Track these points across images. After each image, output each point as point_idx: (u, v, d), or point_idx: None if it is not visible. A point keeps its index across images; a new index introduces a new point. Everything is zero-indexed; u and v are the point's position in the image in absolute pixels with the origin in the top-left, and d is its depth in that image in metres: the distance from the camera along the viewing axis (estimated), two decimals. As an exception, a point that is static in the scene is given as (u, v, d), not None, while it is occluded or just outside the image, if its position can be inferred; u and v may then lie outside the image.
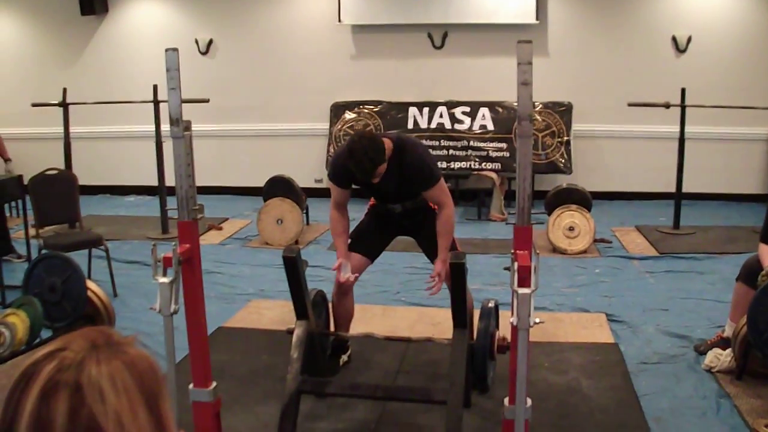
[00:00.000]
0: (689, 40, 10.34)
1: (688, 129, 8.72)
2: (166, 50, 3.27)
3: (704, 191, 10.35)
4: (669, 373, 4.88)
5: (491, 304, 4.62)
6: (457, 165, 10.55)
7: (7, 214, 8.28)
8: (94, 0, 11.20)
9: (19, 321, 4.51)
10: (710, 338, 5.22)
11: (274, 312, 6.17)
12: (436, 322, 5.76)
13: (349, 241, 4.72)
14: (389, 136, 4.41)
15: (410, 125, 10.79)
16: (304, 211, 9.01)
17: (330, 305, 4.87)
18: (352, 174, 4.33)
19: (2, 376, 4.59)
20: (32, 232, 6.81)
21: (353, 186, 4.55)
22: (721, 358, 4.84)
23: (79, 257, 5.76)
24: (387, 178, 4.35)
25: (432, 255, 4.61)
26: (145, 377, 1.06)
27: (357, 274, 4.64)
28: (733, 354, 4.74)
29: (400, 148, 4.36)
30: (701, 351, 5.13)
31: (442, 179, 4.52)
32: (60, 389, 0.99)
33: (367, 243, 4.75)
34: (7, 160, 8.21)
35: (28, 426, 0.98)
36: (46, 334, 4.78)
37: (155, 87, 8.71)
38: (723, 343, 4.99)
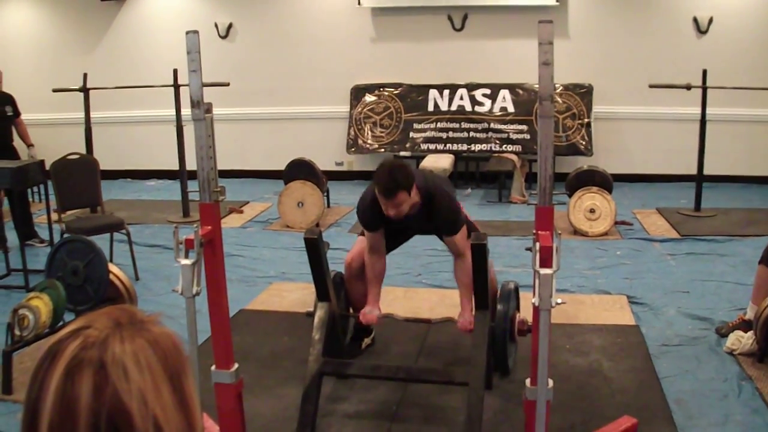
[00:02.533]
0: (710, 21, 10.25)
1: (710, 111, 8.64)
2: (187, 33, 3.27)
3: (726, 173, 10.28)
4: (690, 356, 4.87)
5: (511, 286, 4.61)
6: (477, 147, 10.53)
7: (30, 199, 8.33)
8: (113, -15, 11.24)
9: (42, 304, 4.53)
10: (732, 321, 5.21)
11: (296, 294, 6.19)
12: (457, 304, 5.67)
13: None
14: (417, 183, 4.24)
15: (431, 108, 10.77)
16: (325, 194, 9.02)
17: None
18: (378, 213, 4.28)
19: (27, 359, 4.64)
20: (54, 216, 6.84)
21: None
22: (742, 340, 4.82)
23: (101, 241, 5.81)
24: (412, 223, 4.39)
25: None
26: (169, 355, 1.06)
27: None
28: (754, 336, 4.72)
29: (428, 197, 4.31)
30: (723, 333, 5.11)
31: (465, 227, 4.48)
32: (84, 367, 0.99)
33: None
34: (29, 145, 8.23)
35: (53, 403, 0.99)
36: (69, 317, 4.81)
37: (175, 71, 8.75)
38: (745, 325, 4.97)
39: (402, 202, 4.13)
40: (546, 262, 3.00)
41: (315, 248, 4.09)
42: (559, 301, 3.01)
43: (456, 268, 4.51)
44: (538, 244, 3.03)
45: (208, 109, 3.34)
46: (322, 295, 4.24)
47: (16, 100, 8.08)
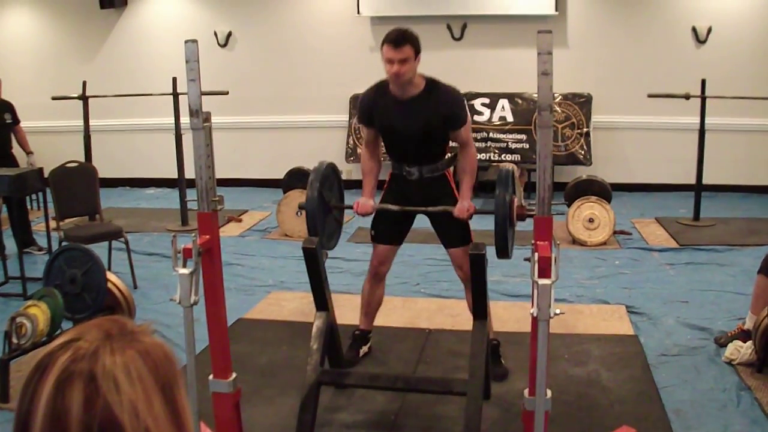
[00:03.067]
0: (709, 30, 10.25)
1: (709, 120, 8.64)
2: (186, 41, 3.27)
3: (725, 183, 10.27)
4: (689, 366, 4.85)
5: (509, 167, 4.51)
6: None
7: (29, 207, 8.32)
8: (113, -7, 11.26)
9: (40, 313, 4.52)
10: (731, 330, 5.20)
11: (294, 303, 6.18)
12: (455, 314, 5.74)
13: (372, 232, 4.71)
14: (421, 74, 4.47)
15: (429, 117, 10.74)
16: (324, 203, 8.99)
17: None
18: (377, 100, 4.46)
19: (24, 367, 4.63)
20: (53, 224, 6.83)
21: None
22: (741, 350, 4.80)
23: (99, 249, 5.79)
24: (416, 113, 4.38)
25: (445, 240, 4.60)
26: (160, 366, 1.05)
27: (388, 264, 4.79)
28: (753, 346, 4.71)
29: (432, 84, 4.47)
30: (722, 343, 5.10)
31: (469, 119, 4.60)
32: (74, 379, 0.98)
33: (389, 230, 4.71)
34: (28, 153, 8.23)
35: (44, 416, 0.98)
36: (67, 325, 4.80)
37: (174, 79, 8.74)
38: (744, 335, 4.96)
39: (407, 59, 4.29)
40: (545, 272, 3.00)
41: (313, 258, 4.08)
42: (558, 311, 3.00)
43: (461, 157, 4.62)
44: (536, 255, 3.04)
45: (207, 117, 3.34)
46: (320, 304, 4.23)
47: (15, 107, 8.08)
